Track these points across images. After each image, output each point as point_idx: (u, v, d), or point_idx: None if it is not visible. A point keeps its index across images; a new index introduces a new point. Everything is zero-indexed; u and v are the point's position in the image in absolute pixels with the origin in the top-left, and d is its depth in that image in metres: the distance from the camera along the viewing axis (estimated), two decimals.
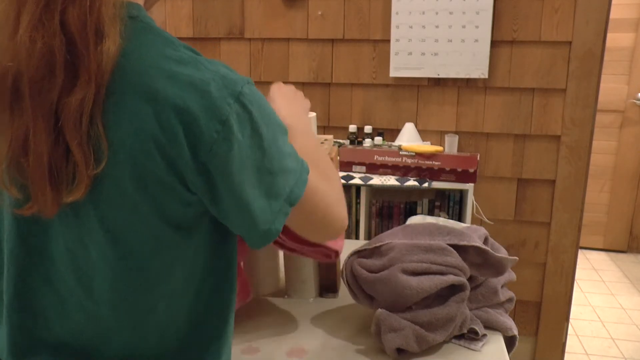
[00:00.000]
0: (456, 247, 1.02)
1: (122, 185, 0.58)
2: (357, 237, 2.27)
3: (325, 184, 0.74)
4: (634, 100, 3.56)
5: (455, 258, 1.00)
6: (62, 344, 0.67)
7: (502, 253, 1.05)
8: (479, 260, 1.02)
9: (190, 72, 0.58)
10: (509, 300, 1.11)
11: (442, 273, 0.98)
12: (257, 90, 0.63)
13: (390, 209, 2.29)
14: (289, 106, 0.85)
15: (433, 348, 0.98)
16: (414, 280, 0.97)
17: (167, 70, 0.57)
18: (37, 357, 0.67)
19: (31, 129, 0.55)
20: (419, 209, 2.28)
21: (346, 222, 0.79)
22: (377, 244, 1.06)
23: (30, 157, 0.55)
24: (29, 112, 0.54)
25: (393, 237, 1.06)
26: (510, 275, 1.13)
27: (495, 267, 1.02)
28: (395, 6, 2.21)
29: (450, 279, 0.98)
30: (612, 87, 3.56)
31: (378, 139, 2.30)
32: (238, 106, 0.59)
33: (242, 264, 1.12)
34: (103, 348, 0.67)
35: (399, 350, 0.96)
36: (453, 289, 1.00)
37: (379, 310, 0.98)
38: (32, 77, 0.54)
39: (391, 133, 2.37)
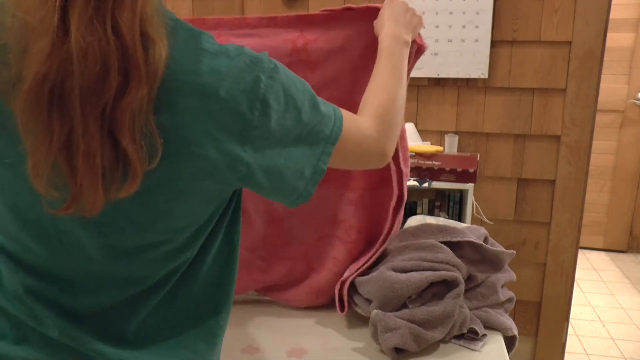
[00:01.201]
0: (450, 245, 1.02)
1: (173, 176, 0.63)
2: None
3: (368, 119, 0.84)
4: (634, 100, 3.55)
5: (447, 254, 1.00)
6: (93, 314, 0.70)
7: None
8: (476, 257, 1.02)
9: (226, 63, 0.63)
10: (509, 300, 1.11)
11: (434, 269, 0.98)
12: (274, 59, 0.70)
13: None
14: (394, 27, 0.96)
15: (432, 348, 0.98)
16: (403, 276, 0.97)
17: (208, 65, 0.62)
18: (71, 329, 0.69)
19: (80, 131, 0.55)
20: (419, 209, 2.28)
21: (385, 156, 0.85)
22: None
23: (80, 159, 0.56)
24: (77, 115, 0.54)
25: (389, 243, 1.07)
26: (510, 275, 1.13)
27: (493, 262, 1.02)
28: None
29: (442, 274, 0.98)
30: (612, 87, 3.56)
31: None
32: (270, 80, 0.66)
33: None
34: (132, 313, 0.72)
35: (398, 350, 0.96)
36: (448, 286, 1.00)
37: (375, 311, 0.98)
38: (86, 81, 0.54)
39: None
